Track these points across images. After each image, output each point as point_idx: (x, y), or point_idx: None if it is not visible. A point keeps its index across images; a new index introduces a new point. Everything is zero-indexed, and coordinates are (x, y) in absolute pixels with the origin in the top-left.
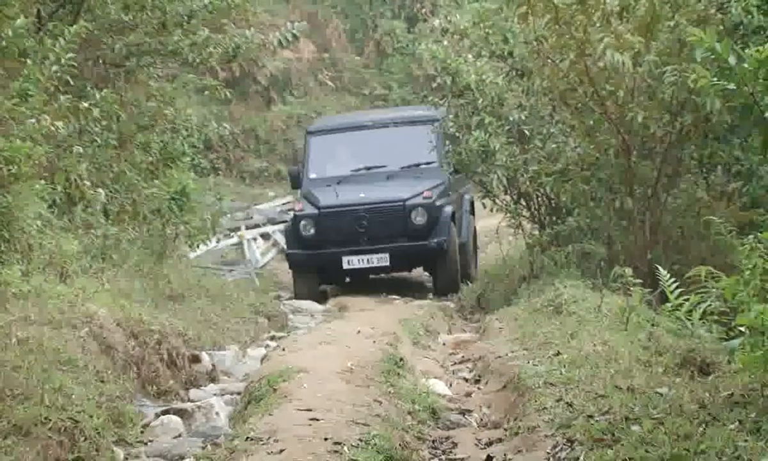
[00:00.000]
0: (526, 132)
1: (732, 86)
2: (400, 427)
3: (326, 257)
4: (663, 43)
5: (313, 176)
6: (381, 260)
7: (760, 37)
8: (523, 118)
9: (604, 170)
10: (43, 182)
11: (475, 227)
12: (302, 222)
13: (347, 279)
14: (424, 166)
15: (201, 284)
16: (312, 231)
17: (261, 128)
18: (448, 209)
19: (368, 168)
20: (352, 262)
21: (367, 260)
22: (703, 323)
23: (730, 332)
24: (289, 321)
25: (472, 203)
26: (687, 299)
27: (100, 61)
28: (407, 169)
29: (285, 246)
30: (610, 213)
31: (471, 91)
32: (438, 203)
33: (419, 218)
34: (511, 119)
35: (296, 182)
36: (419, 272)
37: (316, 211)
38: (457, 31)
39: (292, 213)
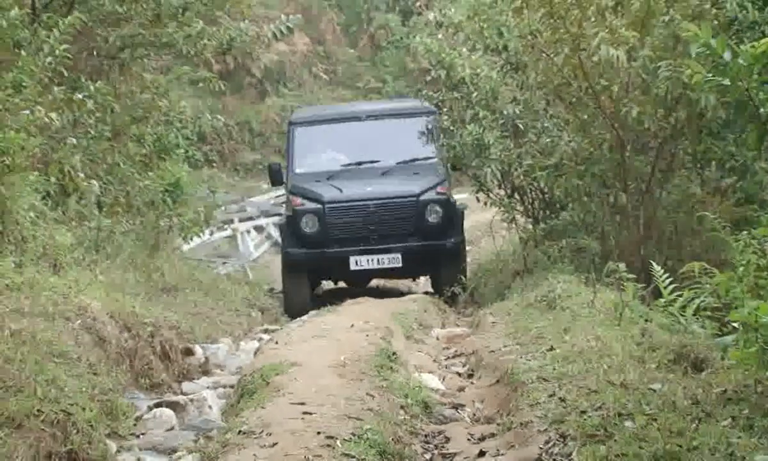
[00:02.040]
0: (521, 126)
1: (727, 82)
2: (393, 421)
3: (331, 257)
4: (658, 38)
5: (299, 170)
6: (393, 261)
7: (755, 32)
8: (518, 112)
9: (598, 165)
10: (36, 173)
11: None
12: (304, 218)
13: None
14: (421, 161)
15: (194, 276)
16: (315, 228)
17: (255, 120)
18: (461, 206)
19: (359, 163)
20: (360, 262)
21: (378, 260)
22: (697, 319)
23: (723, 328)
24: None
25: (462, 212)
26: (680, 295)
27: (95, 53)
28: (403, 164)
29: (281, 243)
30: (603, 208)
31: (465, 84)
32: (452, 199)
33: (434, 216)
34: (505, 112)
35: (276, 177)
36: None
37: (320, 206)
38: (452, 25)
39: (285, 209)
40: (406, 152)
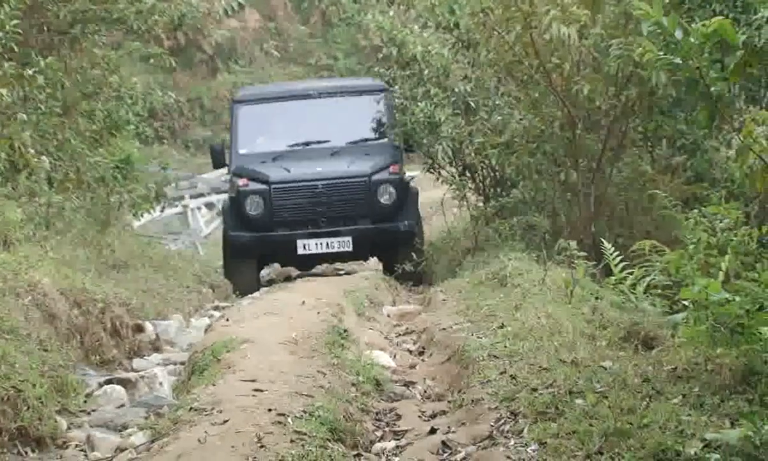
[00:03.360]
0: (472, 104)
1: (677, 60)
2: (345, 399)
3: (277, 241)
4: (609, 16)
5: (243, 151)
6: (343, 244)
7: (706, 11)
8: (469, 90)
9: (549, 143)
10: None
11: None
12: (248, 199)
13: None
14: (372, 142)
15: (145, 253)
16: (261, 210)
17: (206, 96)
18: (415, 187)
19: (307, 143)
20: (308, 246)
21: (327, 244)
22: (647, 296)
23: (673, 306)
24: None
25: (417, 193)
26: (631, 273)
27: (45, 28)
28: (353, 144)
29: (223, 227)
30: (554, 186)
31: (417, 62)
32: (405, 180)
33: (386, 197)
34: (456, 90)
35: (219, 158)
36: None
37: (265, 186)
38: (404, 2)
39: (229, 191)
40: (357, 132)
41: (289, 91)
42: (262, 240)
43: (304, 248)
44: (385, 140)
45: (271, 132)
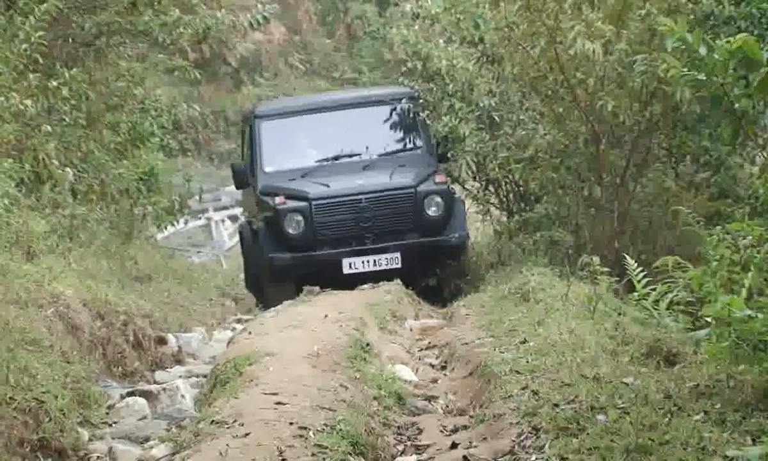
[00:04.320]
0: (496, 118)
1: (702, 77)
2: (366, 413)
3: (321, 261)
4: (634, 32)
5: (269, 169)
6: (391, 261)
7: (730, 27)
8: (493, 104)
9: (573, 158)
10: (11, 160)
11: None
12: (287, 218)
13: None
14: (405, 152)
15: (168, 265)
16: (302, 229)
17: (230, 109)
18: (460, 200)
19: (337, 158)
20: (355, 265)
21: (374, 262)
22: (670, 313)
23: (696, 322)
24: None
25: (463, 202)
26: (654, 289)
27: (70, 40)
28: (387, 157)
29: (248, 248)
30: (578, 201)
31: (441, 76)
32: (452, 189)
33: (434, 208)
34: (481, 104)
35: (242, 178)
36: None
37: (305, 204)
38: (429, 16)
39: (258, 210)
40: (388, 143)
41: (312, 103)
42: (305, 261)
43: (350, 266)
44: (419, 149)
45: (296, 147)
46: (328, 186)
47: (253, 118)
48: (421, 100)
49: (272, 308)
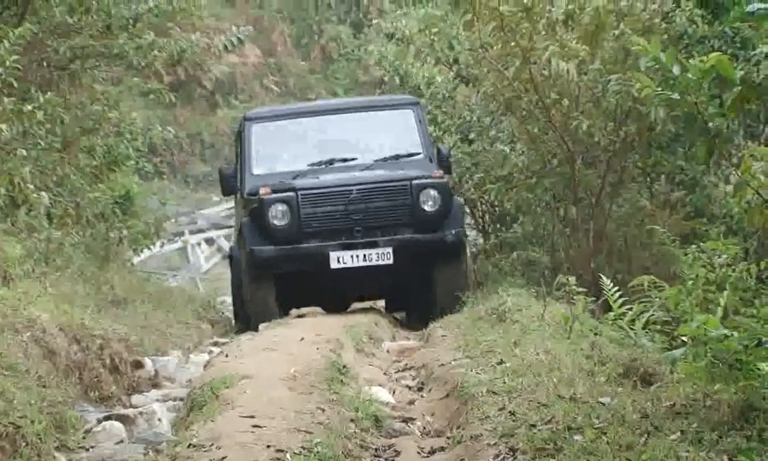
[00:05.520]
0: (473, 137)
1: (676, 96)
2: (343, 435)
3: (307, 254)
4: (608, 51)
5: (257, 172)
6: (382, 256)
7: (704, 46)
8: (476, 118)
9: (549, 178)
10: None
11: None
12: (272, 208)
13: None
14: (405, 158)
15: (144, 288)
16: (287, 220)
17: (206, 132)
18: (459, 198)
19: (331, 162)
20: (343, 259)
21: (365, 256)
22: (646, 332)
23: (672, 342)
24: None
25: (463, 211)
26: (630, 309)
27: (45, 64)
28: (384, 162)
29: (236, 244)
30: (554, 221)
31: (420, 91)
32: (450, 186)
33: (430, 203)
34: (462, 116)
35: (230, 183)
36: None
37: (291, 194)
38: (403, 38)
39: (242, 212)
40: (387, 149)
41: (307, 107)
42: (289, 254)
43: (339, 261)
44: (420, 155)
45: (288, 151)
46: (317, 178)
47: (244, 121)
48: (421, 107)
49: (248, 332)
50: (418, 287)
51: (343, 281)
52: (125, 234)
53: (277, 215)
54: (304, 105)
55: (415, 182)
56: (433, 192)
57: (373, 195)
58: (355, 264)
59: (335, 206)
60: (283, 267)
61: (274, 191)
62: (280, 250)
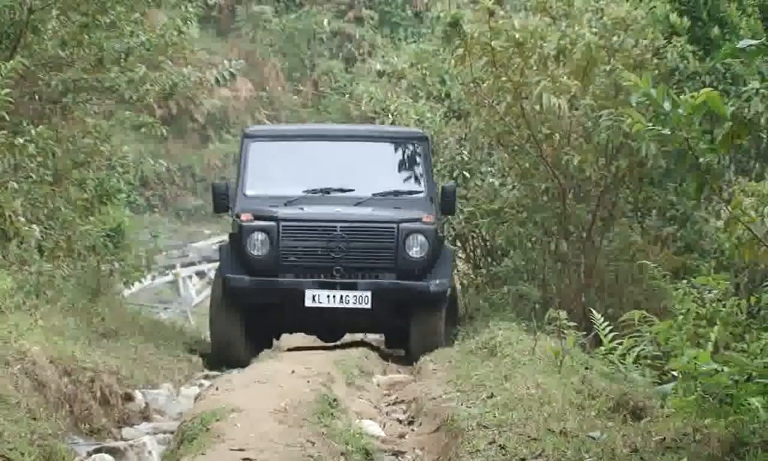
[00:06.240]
0: (466, 174)
1: (667, 131)
2: None
3: (281, 289)
4: (599, 87)
5: (250, 192)
6: (360, 300)
7: (695, 82)
8: (465, 158)
9: (540, 213)
10: None
11: None
12: (251, 237)
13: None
14: (405, 195)
15: (135, 321)
16: (265, 250)
17: (198, 165)
18: (449, 247)
19: (327, 191)
20: (319, 298)
21: (342, 298)
22: (637, 367)
23: (663, 376)
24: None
25: (454, 258)
26: (620, 343)
27: (36, 97)
28: (382, 197)
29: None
30: (545, 256)
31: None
32: (440, 233)
33: (416, 249)
34: (450, 156)
35: (221, 201)
36: None
37: (272, 223)
38: (395, 73)
39: (231, 230)
40: (387, 183)
41: (310, 130)
42: (264, 287)
43: (314, 299)
44: (421, 194)
45: (285, 175)
46: (302, 209)
47: (243, 137)
48: (429, 142)
49: (236, 369)
50: (397, 332)
51: (317, 321)
52: (116, 267)
53: (256, 245)
54: (308, 127)
55: (402, 225)
56: (420, 238)
57: (358, 235)
58: (332, 305)
59: (317, 241)
60: (256, 300)
61: (256, 218)
62: (255, 282)
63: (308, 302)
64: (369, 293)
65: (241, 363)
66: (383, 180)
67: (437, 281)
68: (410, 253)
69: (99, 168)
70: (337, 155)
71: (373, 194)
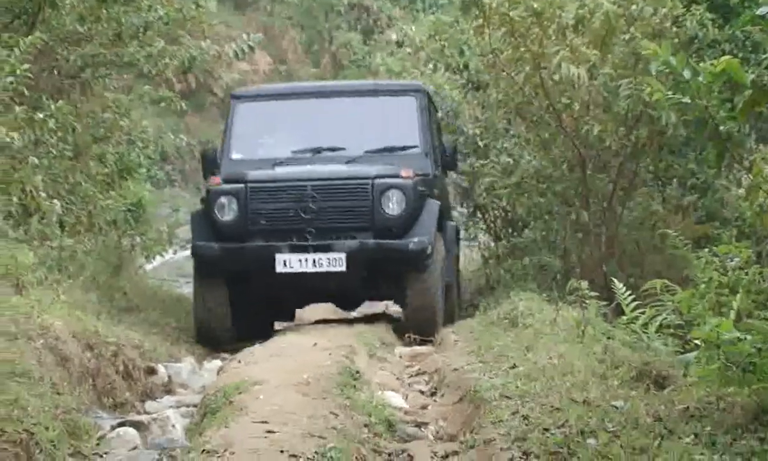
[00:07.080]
0: (481, 145)
1: (687, 100)
2: (357, 440)
3: (251, 254)
4: (618, 56)
5: (236, 156)
6: (333, 262)
7: (715, 50)
8: (479, 132)
9: (560, 183)
10: None
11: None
12: (219, 201)
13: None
14: (400, 151)
15: (157, 295)
16: (233, 215)
17: (217, 139)
18: (434, 203)
19: (318, 150)
20: (290, 263)
21: (314, 261)
22: (659, 336)
23: (685, 345)
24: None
25: (458, 231)
26: (643, 312)
27: (56, 73)
28: (374, 153)
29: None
30: (566, 226)
31: None
32: (421, 188)
33: (392, 206)
34: (465, 130)
35: (211, 166)
36: None
37: (241, 186)
38: (413, 45)
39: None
40: (381, 139)
41: (300, 88)
42: (234, 253)
43: (285, 264)
44: (416, 149)
45: (274, 136)
46: (273, 169)
47: (231, 98)
48: (426, 93)
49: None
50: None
51: (290, 285)
52: (137, 242)
53: (224, 210)
54: (298, 85)
55: (377, 181)
56: (397, 193)
57: (330, 194)
58: (304, 269)
59: (287, 203)
60: (228, 267)
61: (225, 182)
62: (225, 249)
63: (279, 268)
64: (343, 255)
65: (225, 345)
66: (377, 136)
67: (416, 239)
68: (386, 210)
69: (119, 143)
70: (329, 113)
71: (366, 151)
